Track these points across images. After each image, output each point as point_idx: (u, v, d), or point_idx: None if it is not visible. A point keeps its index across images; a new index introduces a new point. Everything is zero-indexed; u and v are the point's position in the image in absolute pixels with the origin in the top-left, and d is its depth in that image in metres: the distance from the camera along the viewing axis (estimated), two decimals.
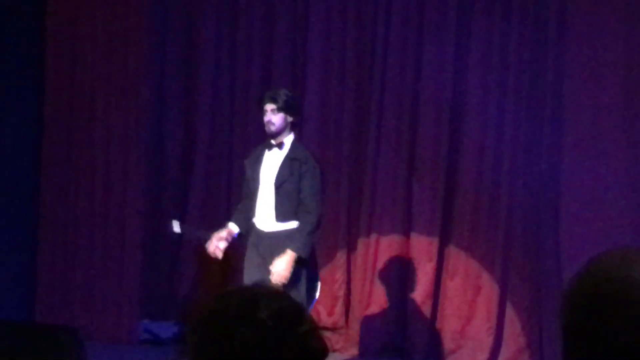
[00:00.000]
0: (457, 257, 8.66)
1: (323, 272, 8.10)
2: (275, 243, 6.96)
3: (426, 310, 8.64)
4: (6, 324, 6.99)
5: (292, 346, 1.77)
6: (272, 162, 7.11)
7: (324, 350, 1.82)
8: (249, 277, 7.04)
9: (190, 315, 1.87)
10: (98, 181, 9.03)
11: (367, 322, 8.75)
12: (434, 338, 8.65)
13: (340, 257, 8.87)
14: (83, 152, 9.04)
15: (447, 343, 8.58)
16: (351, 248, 8.89)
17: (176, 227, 7.28)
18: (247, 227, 7.19)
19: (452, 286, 8.64)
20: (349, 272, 8.91)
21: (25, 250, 9.03)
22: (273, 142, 7.12)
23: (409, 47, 8.81)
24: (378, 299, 8.76)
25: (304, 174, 7.02)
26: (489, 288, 8.56)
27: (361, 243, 8.80)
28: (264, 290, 1.87)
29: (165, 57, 9.33)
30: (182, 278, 9.19)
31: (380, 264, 8.77)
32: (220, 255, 7.23)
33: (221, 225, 9.05)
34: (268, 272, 6.93)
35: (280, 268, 6.86)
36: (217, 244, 7.19)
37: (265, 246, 7.02)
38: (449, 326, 8.61)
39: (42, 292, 9.03)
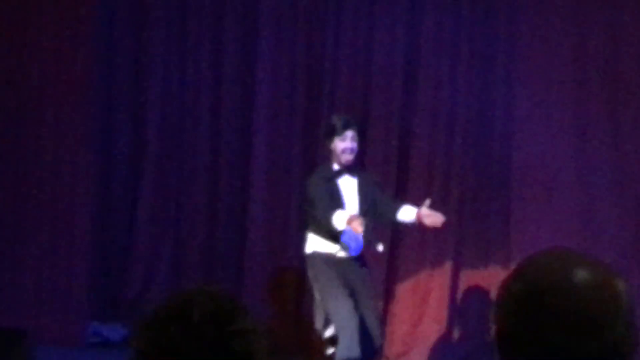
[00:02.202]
0: (407, 260, 8.67)
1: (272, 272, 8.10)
2: (360, 264, 7.11)
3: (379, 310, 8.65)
4: None
5: (215, 345, 1.78)
6: (348, 188, 7.08)
7: (250, 353, 1.81)
8: (342, 296, 6.99)
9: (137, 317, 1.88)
10: (46, 182, 8.94)
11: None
12: (385, 340, 8.65)
13: (294, 258, 8.86)
14: (31, 153, 8.94)
15: (397, 346, 8.60)
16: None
17: (380, 247, 7.25)
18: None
19: (403, 288, 8.65)
20: (300, 274, 8.89)
21: None
22: (338, 167, 7.07)
23: (361, 25, 8.81)
24: None
25: (376, 190, 7.20)
26: (439, 290, 8.58)
27: None
28: (204, 291, 1.87)
29: (114, 58, 9.26)
30: (131, 280, 9.14)
31: None
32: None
33: (176, 225, 9.10)
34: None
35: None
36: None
37: (354, 269, 7.09)
38: (399, 329, 8.62)
39: None
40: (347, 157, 7.01)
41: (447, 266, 8.57)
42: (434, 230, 8.34)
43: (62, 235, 8.91)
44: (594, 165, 8.28)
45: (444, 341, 8.53)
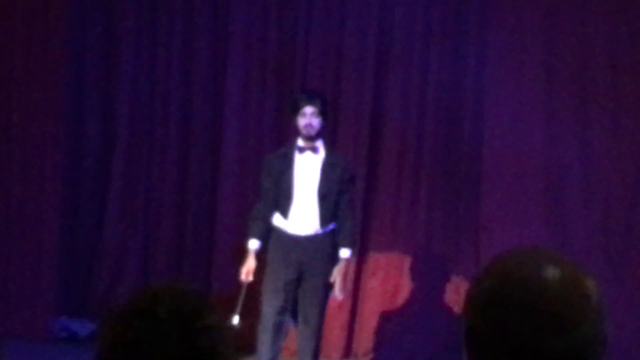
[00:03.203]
0: (376, 256, 8.68)
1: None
2: (316, 246, 7.00)
3: (345, 309, 8.65)
4: None
5: (181, 342, 1.77)
6: (307, 166, 7.05)
7: (216, 350, 1.80)
8: (274, 275, 7.00)
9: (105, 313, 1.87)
10: (14, 176, 8.90)
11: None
12: (352, 338, 8.66)
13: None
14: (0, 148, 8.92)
15: (366, 342, 8.60)
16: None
17: (235, 320, 7.21)
18: (266, 233, 7.15)
19: (371, 286, 8.66)
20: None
21: None
22: (302, 144, 7.06)
23: (333, 5, 8.81)
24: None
25: (344, 180, 7.07)
26: (408, 287, 8.60)
27: None
28: (171, 287, 1.86)
29: (84, 53, 9.22)
30: (100, 275, 9.10)
31: None
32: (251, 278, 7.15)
33: (145, 221, 9.05)
34: (301, 273, 6.99)
35: (339, 277, 7.06)
36: (249, 273, 7.13)
37: (303, 249, 7.00)
38: (367, 326, 8.63)
39: None
40: (307, 133, 7.02)
41: (417, 260, 8.58)
42: (406, 223, 8.41)
43: (30, 229, 8.86)
44: (563, 145, 8.31)
45: (412, 339, 8.54)
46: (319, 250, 7.02)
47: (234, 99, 8.93)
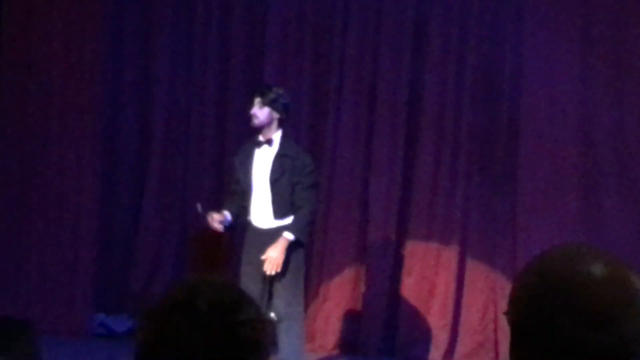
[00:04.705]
0: (413, 255, 8.67)
1: None
2: (274, 239, 6.96)
3: (382, 307, 8.65)
4: None
5: (223, 334, 1.77)
6: (263, 159, 7.11)
7: (258, 342, 1.81)
8: (247, 274, 7.03)
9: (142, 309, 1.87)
10: (53, 174, 8.97)
11: (323, 318, 8.74)
12: (390, 334, 8.66)
13: None
14: (38, 145, 8.97)
15: (403, 339, 8.60)
16: (308, 245, 8.87)
17: (199, 208, 7.29)
18: (237, 220, 7.22)
19: (408, 283, 8.65)
20: (306, 269, 8.87)
21: None
22: (261, 138, 7.12)
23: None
24: (334, 295, 8.76)
25: (296, 170, 7.02)
26: (445, 285, 8.58)
27: (317, 238, 8.77)
28: (209, 280, 1.86)
29: (121, 49, 9.26)
30: (137, 272, 9.14)
31: (336, 260, 8.76)
32: (221, 228, 7.18)
33: (181, 218, 9.09)
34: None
35: (273, 254, 6.89)
36: (216, 221, 7.15)
37: (264, 243, 7.00)
38: (404, 323, 8.62)
39: None
40: (252, 123, 7.12)
41: (452, 258, 8.56)
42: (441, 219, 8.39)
43: (68, 227, 8.92)
44: (598, 125, 8.29)
45: (449, 336, 8.53)
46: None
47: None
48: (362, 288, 8.73)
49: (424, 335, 8.55)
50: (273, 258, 6.88)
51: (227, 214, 7.19)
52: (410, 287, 8.64)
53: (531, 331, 1.65)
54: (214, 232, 7.27)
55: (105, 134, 9.11)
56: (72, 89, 8.92)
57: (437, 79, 8.66)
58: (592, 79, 8.31)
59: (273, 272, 6.89)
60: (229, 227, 7.30)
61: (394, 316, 8.67)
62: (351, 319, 8.73)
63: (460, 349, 8.51)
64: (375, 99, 8.75)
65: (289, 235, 6.94)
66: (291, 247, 6.97)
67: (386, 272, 8.65)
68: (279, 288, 6.99)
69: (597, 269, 1.65)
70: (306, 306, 8.75)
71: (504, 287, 8.24)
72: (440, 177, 8.65)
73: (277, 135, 7.11)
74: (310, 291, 8.78)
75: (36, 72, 9.00)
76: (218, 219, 7.12)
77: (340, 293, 8.76)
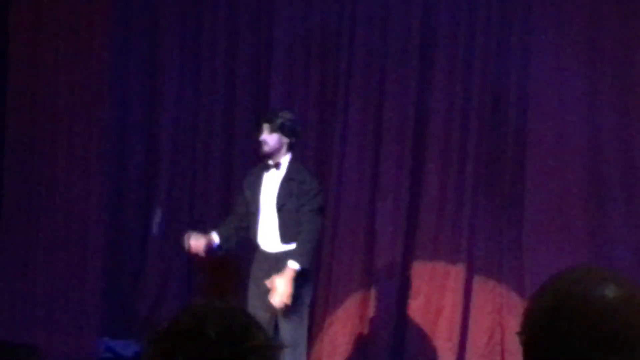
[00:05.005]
0: (419, 277, 8.65)
1: None
2: (280, 263, 6.95)
3: (389, 329, 8.62)
4: None
5: None
6: (271, 183, 7.14)
7: None
8: (254, 298, 7.06)
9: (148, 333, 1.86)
10: (59, 196, 8.96)
11: (329, 341, 8.71)
12: (396, 357, 8.63)
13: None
14: (45, 166, 8.97)
15: None
16: (314, 265, 8.87)
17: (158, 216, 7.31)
18: (229, 243, 7.27)
19: (414, 306, 8.63)
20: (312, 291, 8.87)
21: None
22: (270, 162, 7.16)
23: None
24: (340, 318, 8.73)
25: (302, 194, 7.03)
26: (451, 307, 8.56)
27: (324, 261, 8.76)
28: (217, 306, 1.86)
29: (128, 61, 9.28)
30: (144, 296, 9.13)
31: (342, 282, 8.74)
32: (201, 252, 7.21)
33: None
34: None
35: (281, 286, 6.87)
36: (197, 247, 7.18)
37: (271, 267, 7.00)
38: (411, 345, 8.60)
39: (1, 309, 8.94)
40: (262, 149, 7.15)
41: (459, 279, 8.53)
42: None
43: (75, 251, 8.91)
44: (605, 144, 8.28)
45: (457, 358, 8.50)
46: (282, 268, 6.95)
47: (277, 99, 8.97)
48: (369, 311, 8.71)
49: (431, 358, 8.52)
50: (280, 292, 6.87)
51: (214, 238, 7.22)
52: (416, 310, 8.61)
53: (544, 352, 1.65)
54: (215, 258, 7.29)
55: (113, 150, 9.12)
56: (79, 100, 8.90)
57: (443, 99, 8.66)
58: (599, 98, 8.31)
59: (282, 306, 6.89)
60: (214, 251, 7.29)
61: (401, 339, 8.65)
62: (358, 341, 8.71)
63: None
64: (381, 120, 8.75)
65: (294, 265, 6.92)
66: (297, 274, 6.96)
67: (393, 295, 8.63)
68: (286, 313, 6.99)
69: (611, 291, 1.65)
70: (313, 329, 8.75)
71: (511, 310, 8.23)
72: (447, 199, 8.63)
73: (285, 159, 7.14)
74: (317, 314, 8.77)
75: (44, 74, 8.97)
76: (199, 245, 7.14)
77: (347, 316, 8.73)
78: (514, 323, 8.07)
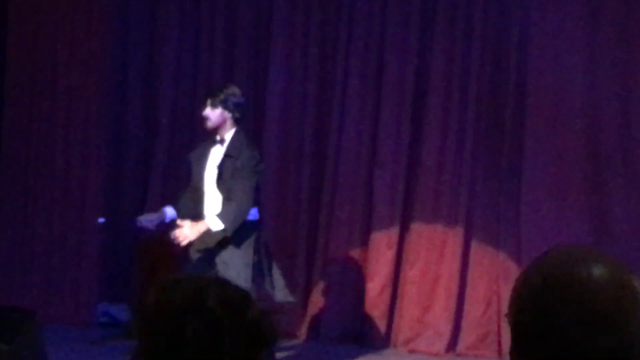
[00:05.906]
0: (416, 246, 8.67)
1: (283, 260, 8.08)
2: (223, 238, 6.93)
3: (385, 298, 8.65)
4: None
5: (242, 333, 1.78)
6: (215, 159, 7.09)
7: (274, 335, 1.83)
8: (189, 264, 7.05)
9: (138, 303, 1.87)
10: (57, 165, 8.99)
11: (327, 309, 8.75)
12: (393, 326, 8.66)
13: (301, 244, 8.88)
14: (44, 137, 9.01)
15: (406, 331, 8.60)
16: (312, 236, 8.89)
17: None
18: (186, 210, 7.15)
19: (412, 275, 8.65)
20: (309, 259, 8.89)
21: None
22: (217, 137, 7.11)
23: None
24: (338, 287, 8.77)
25: (238, 169, 6.95)
26: (448, 277, 8.58)
27: (321, 229, 8.79)
28: (208, 278, 1.87)
29: (126, 48, 9.28)
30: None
31: (339, 251, 8.77)
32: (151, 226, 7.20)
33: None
34: (212, 264, 6.92)
35: (186, 229, 6.83)
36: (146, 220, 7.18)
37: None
38: (407, 314, 8.63)
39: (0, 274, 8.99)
40: (205, 124, 7.12)
41: (456, 249, 8.56)
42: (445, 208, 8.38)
43: (73, 217, 8.95)
44: (605, 118, 8.30)
45: (452, 328, 8.53)
46: (223, 241, 6.94)
47: (275, 99, 8.95)
48: (366, 279, 8.73)
49: (427, 327, 8.55)
50: (184, 232, 6.83)
51: (166, 211, 7.16)
52: (413, 279, 8.63)
53: (532, 333, 1.66)
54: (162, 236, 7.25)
55: (111, 127, 9.15)
56: (77, 86, 8.95)
57: (443, 64, 8.65)
58: (599, 66, 8.30)
59: (181, 243, 6.86)
60: (166, 225, 7.20)
61: (398, 307, 8.67)
62: (355, 310, 8.74)
63: (464, 340, 8.51)
64: (380, 85, 8.73)
65: (210, 223, 6.85)
66: (237, 245, 6.91)
67: (390, 264, 8.65)
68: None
69: (599, 271, 1.65)
70: (310, 297, 8.80)
71: (508, 279, 8.23)
72: (445, 167, 8.64)
73: (229, 134, 7.07)
74: (313, 282, 8.81)
75: (42, 67, 9.01)
76: (147, 219, 7.14)
77: (344, 284, 8.76)
78: (510, 293, 8.08)
